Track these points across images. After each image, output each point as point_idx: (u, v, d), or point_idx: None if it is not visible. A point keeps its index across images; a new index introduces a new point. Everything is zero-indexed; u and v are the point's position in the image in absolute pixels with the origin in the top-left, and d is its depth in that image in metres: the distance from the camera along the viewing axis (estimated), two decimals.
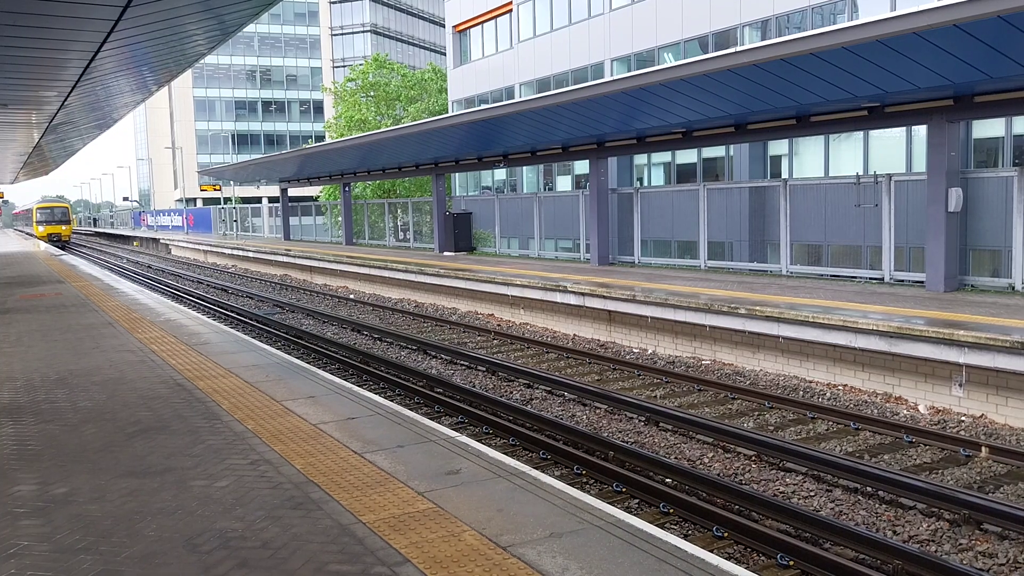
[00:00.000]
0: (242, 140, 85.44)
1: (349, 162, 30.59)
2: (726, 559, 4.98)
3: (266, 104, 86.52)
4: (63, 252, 39.44)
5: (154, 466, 5.50)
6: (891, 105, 13.18)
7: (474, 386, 11.47)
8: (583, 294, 15.12)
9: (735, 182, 21.36)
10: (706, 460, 8.20)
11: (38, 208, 57.95)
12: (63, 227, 57.13)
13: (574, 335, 15.82)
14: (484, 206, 27.76)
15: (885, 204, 14.23)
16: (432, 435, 6.16)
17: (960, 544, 6.16)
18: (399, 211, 32.75)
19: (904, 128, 17.56)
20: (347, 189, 34.43)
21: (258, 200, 58.35)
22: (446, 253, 26.39)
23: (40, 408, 7.22)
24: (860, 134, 19.04)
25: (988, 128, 16.71)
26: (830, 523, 6.20)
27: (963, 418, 9.37)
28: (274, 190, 44.57)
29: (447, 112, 39.19)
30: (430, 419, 7.70)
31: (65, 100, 17.10)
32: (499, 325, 17.26)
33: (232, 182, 51.84)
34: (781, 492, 7.26)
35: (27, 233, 70.25)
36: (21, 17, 10.00)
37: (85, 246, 59.66)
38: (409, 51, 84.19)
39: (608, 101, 15.49)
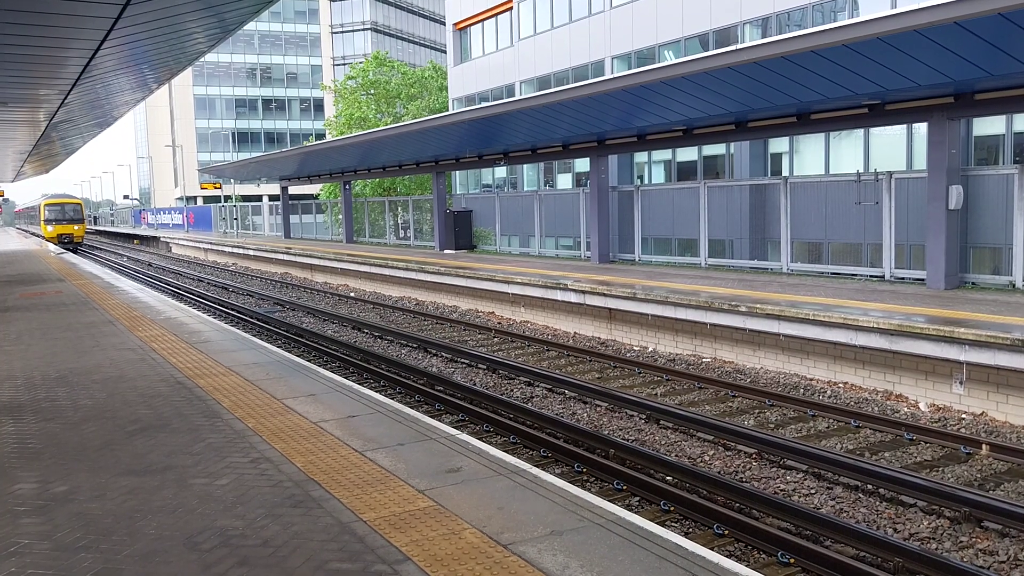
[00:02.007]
0: (242, 138, 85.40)
1: (349, 160, 30.59)
2: (727, 557, 4.97)
3: (266, 102, 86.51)
4: (65, 251, 38.65)
5: (154, 464, 5.50)
6: (892, 103, 13.17)
7: (475, 384, 11.47)
8: (584, 292, 15.12)
9: (736, 180, 21.33)
10: (707, 458, 8.20)
11: (46, 205, 51.65)
12: (75, 226, 50.95)
13: (575, 333, 15.82)
14: (484, 204, 27.75)
15: (886, 202, 14.22)
16: (432, 433, 6.16)
17: (961, 542, 6.16)
18: (399, 209, 32.73)
19: (905, 126, 17.54)
20: (347, 187, 34.43)
21: (258, 198, 58.26)
22: (447, 251, 26.39)
23: (40, 406, 7.22)
24: (861, 132, 19.01)
25: (989, 126, 16.69)
26: (831, 521, 6.20)
27: (964, 416, 9.37)
28: (274, 188, 44.57)
29: (447, 110, 39.16)
30: (431, 417, 7.70)
31: (65, 98, 17.09)
32: (500, 323, 17.26)
33: (232, 180, 51.81)
34: (782, 490, 7.27)
35: (32, 232, 67.97)
36: (21, 15, 9.99)
37: (88, 245, 59.07)
38: (409, 49, 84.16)
39: (609, 99, 15.48)
